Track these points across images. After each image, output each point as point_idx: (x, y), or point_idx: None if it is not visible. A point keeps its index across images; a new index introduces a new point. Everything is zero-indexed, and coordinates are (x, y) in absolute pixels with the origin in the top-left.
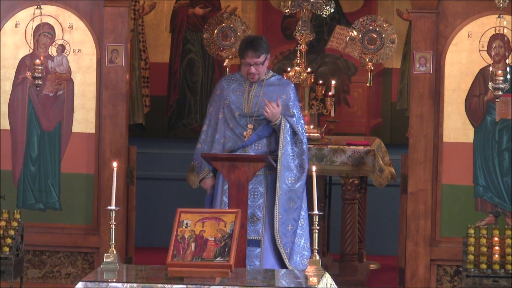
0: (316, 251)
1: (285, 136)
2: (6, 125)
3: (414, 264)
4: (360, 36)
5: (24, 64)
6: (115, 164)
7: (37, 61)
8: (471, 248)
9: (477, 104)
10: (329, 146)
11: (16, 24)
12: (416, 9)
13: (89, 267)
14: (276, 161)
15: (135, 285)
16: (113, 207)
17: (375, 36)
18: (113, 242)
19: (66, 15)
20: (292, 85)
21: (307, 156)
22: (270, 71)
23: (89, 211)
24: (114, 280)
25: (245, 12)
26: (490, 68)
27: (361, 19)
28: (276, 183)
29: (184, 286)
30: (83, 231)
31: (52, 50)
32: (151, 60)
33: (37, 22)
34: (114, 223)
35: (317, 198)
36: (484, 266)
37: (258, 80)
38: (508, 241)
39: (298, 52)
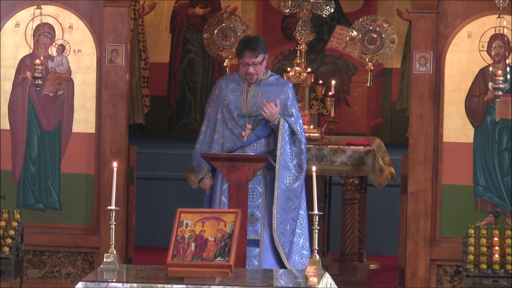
0: (316, 251)
1: (283, 136)
2: (6, 125)
3: (414, 264)
4: (360, 36)
5: (24, 64)
6: (115, 164)
7: (37, 61)
8: (471, 248)
9: (477, 104)
10: (329, 146)
11: (16, 24)
12: (416, 9)
13: (89, 267)
14: (275, 161)
15: (135, 285)
16: (113, 207)
17: (375, 36)
18: (113, 242)
19: (66, 15)
20: (291, 84)
21: (305, 156)
22: (269, 71)
23: (89, 211)
24: (114, 280)
25: (245, 12)
26: (490, 68)
27: (361, 19)
28: (275, 183)
29: (184, 286)
30: (83, 231)
31: (52, 50)
32: (151, 60)
33: (37, 22)
34: (114, 223)
35: (317, 198)
36: (484, 266)
37: (257, 80)
38: (508, 241)
39: (298, 52)
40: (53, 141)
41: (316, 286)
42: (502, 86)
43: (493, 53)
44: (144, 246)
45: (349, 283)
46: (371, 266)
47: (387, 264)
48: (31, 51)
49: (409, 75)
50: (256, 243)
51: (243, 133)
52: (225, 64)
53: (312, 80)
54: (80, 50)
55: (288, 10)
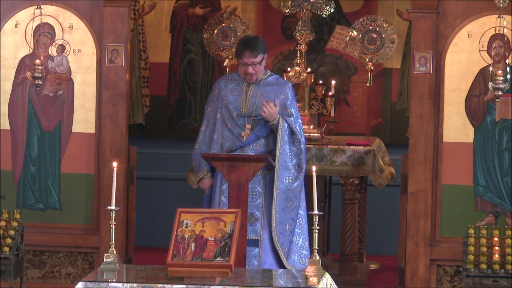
0: (316, 251)
1: (283, 136)
2: (6, 125)
3: (414, 264)
4: (360, 36)
5: (24, 64)
6: (115, 164)
7: (37, 61)
8: (471, 248)
9: (477, 104)
10: (329, 146)
11: (16, 24)
12: (416, 9)
13: (89, 267)
14: (274, 161)
15: (135, 285)
16: (113, 207)
17: (375, 36)
18: (113, 242)
19: (66, 15)
20: (290, 84)
21: (305, 156)
22: (268, 71)
23: (89, 211)
24: (114, 280)
25: (245, 12)
26: (490, 68)
27: (361, 19)
28: (274, 183)
29: (184, 286)
30: (83, 231)
31: (52, 50)
32: (151, 60)
33: (37, 22)
34: (114, 223)
35: (317, 198)
36: (484, 266)
37: (256, 80)
38: (508, 241)
39: (298, 52)
40: (53, 141)
41: (316, 286)
42: (502, 86)
43: (493, 53)
44: (144, 246)
45: (349, 283)
46: (371, 266)
47: (387, 264)
48: (31, 51)
49: (409, 75)
50: (255, 243)
51: (243, 133)
52: (225, 64)
53: (312, 80)
54: (80, 50)
55: (288, 10)
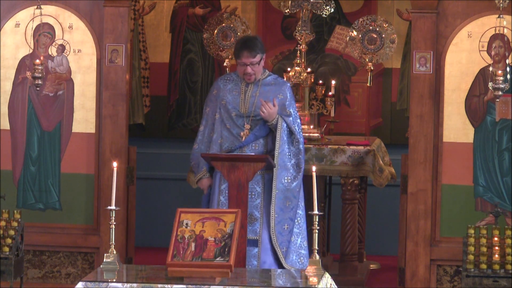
0: (316, 251)
1: (281, 136)
2: (6, 125)
3: (414, 264)
4: (360, 36)
5: (24, 64)
6: (115, 164)
7: (37, 61)
8: (471, 248)
9: (477, 104)
10: (329, 146)
11: (16, 24)
12: (416, 9)
13: (89, 267)
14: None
15: (135, 285)
16: (113, 207)
17: (375, 36)
18: (113, 242)
19: (66, 15)
20: (288, 84)
21: (303, 156)
22: (266, 71)
23: (89, 211)
24: (114, 280)
25: (245, 12)
26: (490, 68)
27: (361, 19)
28: (273, 183)
29: (184, 286)
30: (83, 231)
31: (52, 50)
32: (151, 60)
33: (37, 22)
34: (114, 223)
35: (317, 198)
36: (484, 266)
37: (255, 80)
38: (508, 241)
39: (298, 52)
40: (53, 141)
41: (316, 286)
42: (502, 86)
43: (493, 53)
44: (144, 246)
45: (349, 283)
46: (371, 266)
47: (387, 264)
48: (31, 51)
49: (409, 75)
50: (255, 243)
51: (242, 133)
52: (225, 64)
53: (312, 80)
54: (80, 50)
55: (288, 10)
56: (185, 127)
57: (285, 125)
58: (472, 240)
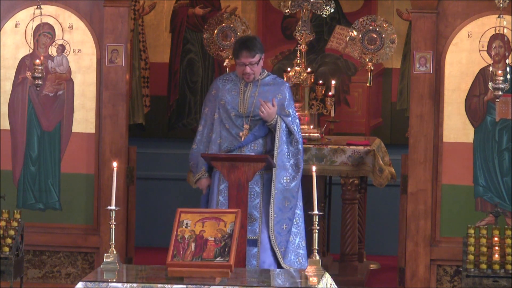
0: (316, 251)
1: (280, 136)
2: (6, 125)
3: (414, 264)
4: (360, 36)
5: (24, 64)
6: (115, 164)
7: (37, 61)
8: (471, 248)
9: (477, 104)
10: (329, 146)
11: (16, 24)
12: (416, 9)
13: (89, 267)
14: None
15: (135, 285)
16: (113, 207)
17: (375, 36)
18: (113, 242)
19: (66, 15)
20: (287, 84)
21: (302, 156)
22: (265, 71)
23: (89, 211)
24: (114, 280)
25: (245, 12)
26: (490, 68)
27: (361, 19)
28: (272, 183)
29: (184, 286)
30: (83, 231)
31: (52, 50)
32: (151, 60)
33: (37, 22)
34: (114, 223)
35: (317, 198)
36: (484, 266)
37: (253, 80)
38: (508, 241)
39: (298, 52)
40: (53, 141)
41: (316, 286)
42: (502, 86)
43: (493, 53)
44: (144, 246)
45: (349, 283)
46: (371, 266)
47: (387, 264)
48: (31, 51)
49: (409, 75)
50: (254, 242)
51: (241, 133)
52: (225, 64)
53: (312, 80)
54: (80, 50)
55: (288, 10)
56: (185, 127)
57: (284, 125)
58: (472, 240)
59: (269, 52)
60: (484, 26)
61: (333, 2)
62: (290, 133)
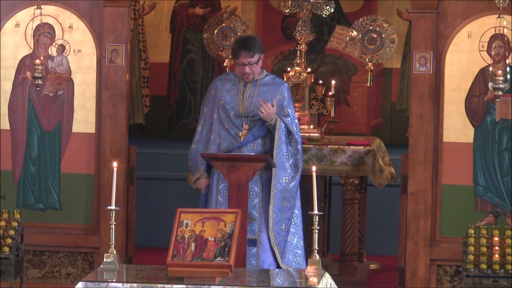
0: (316, 251)
1: (280, 136)
2: (6, 125)
3: (414, 264)
4: (360, 36)
5: (24, 64)
6: (115, 164)
7: (37, 61)
8: (471, 248)
9: (477, 104)
10: (329, 146)
11: (16, 24)
12: (416, 9)
13: (89, 267)
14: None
15: (135, 285)
16: (113, 207)
17: (375, 36)
18: (113, 242)
19: (66, 15)
20: (286, 84)
21: (301, 156)
22: (264, 71)
23: (89, 211)
24: (114, 280)
25: (245, 12)
26: (490, 68)
27: (361, 19)
28: (271, 183)
29: (184, 286)
30: (83, 231)
31: (52, 50)
32: (151, 60)
33: (37, 22)
34: (114, 223)
35: (317, 198)
36: (484, 266)
37: (253, 80)
38: (508, 241)
39: (298, 52)
40: (53, 141)
41: (316, 286)
42: (502, 86)
43: (493, 53)
44: (144, 246)
45: (349, 283)
46: (371, 266)
47: (387, 264)
48: (31, 51)
49: (409, 75)
50: (253, 242)
51: (240, 134)
52: (225, 64)
53: (312, 80)
54: (80, 50)
55: (288, 10)
56: (185, 127)
57: (283, 125)
58: (472, 240)
59: (269, 52)
60: (484, 26)
61: (333, 2)
62: (289, 133)
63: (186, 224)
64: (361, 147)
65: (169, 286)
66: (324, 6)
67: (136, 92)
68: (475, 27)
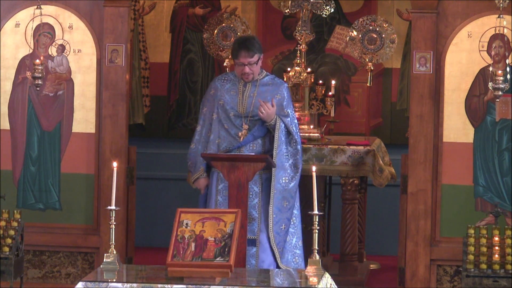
0: (316, 251)
1: (279, 136)
2: (6, 125)
3: (414, 264)
4: (360, 36)
5: (24, 64)
6: (115, 164)
7: (37, 61)
8: (471, 248)
9: (477, 104)
10: (329, 146)
11: (16, 24)
12: (416, 9)
13: (89, 267)
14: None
15: (135, 285)
16: (113, 207)
17: (375, 36)
18: (113, 242)
19: (66, 15)
20: (286, 84)
21: (301, 156)
22: (263, 71)
23: (89, 211)
24: (114, 280)
25: (245, 12)
26: (490, 68)
27: (361, 19)
28: (271, 183)
29: (184, 286)
30: (83, 231)
31: (52, 50)
32: (151, 60)
33: (37, 22)
34: (114, 223)
35: (317, 198)
36: (484, 266)
37: (252, 80)
38: (508, 241)
39: (298, 52)
40: (53, 141)
41: (316, 286)
42: (502, 86)
43: (493, 53)
44: (144, 246)
45: (349, 283)
46: (371, 266)
47: (387, 264)
48: (31, 51)
49: (409, 75)
50: (253, 242)
51: (240, 134)
52: (225, 64)
53: (312, 80)
54: (80, 50)
55: (288, 10)
56: (185, 127)
57: (283, 125)
58: (472, 240)
59: (269, 52)
60: (484, 26)
61: (333, 2)
62: (289, 133)
63: (186, 224)
64: (361, 147)
65: (169, 286)
66: (324, 6)
67: (136, 92)
68: (475, 27)
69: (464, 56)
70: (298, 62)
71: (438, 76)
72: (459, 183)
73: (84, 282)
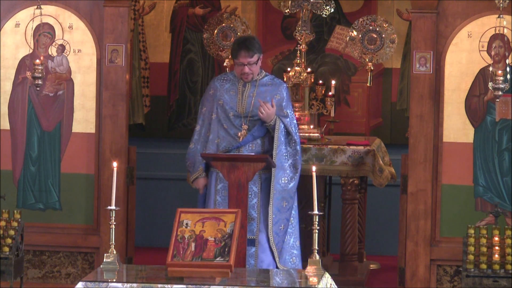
0: (316, 251)
1: (279, 137)
2: (6, 125)
3: (414, 264)
4: (360, 36)
5: (24, 64)
6: (115, 164)
7: (37, 61)
8: (471, 248)
9: (477, 104)
10: (329, 146)
11: (16, 24)
12: (416, 9)
13: (89, 267)
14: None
15: (135, 285)
16: (113, 207)
17: (375, 36)
18: (113, 242)
19: (66, 15)
20: (285, 85)
21: (300, 157)
22: (263, 71)
23: (89, 211)
24: (114, 280)
25: (245, 12)
26: (490, 68)
27: (361, 19)
28: (271, 183)
29: (184, 286)
30: (83, 231)
31: (52, 50)
32: (151, 60)
33: (37, 22)
34: (114, 223)
35: (317, 198)
36: (484, 266)
37: (252, 80)
38: (508, 241)
39: (298, 52)
40: (53, 141)
41: (316, 286)
42: (502, 86)
43: (493, 53)
44: (144, 246)
45: (349, 283)
46: (371, 266)
47: (387, 264)
48: (31, 51)
49: (409, 75)
50: (252, 242)
51: (239, 134)
52: (225, 64)
53: (312, 80)
54: (80, 50)
55: (288, 10)
56: (185, 127)
57: (282, 126)
58: (472, 240)
59: (269, 52)
60: (484, 26)
61: (333, 2)
62: (288, 133)
63: (186, 224)
64: (361, 147)
65: (169, 286)
66: (324, 6)
67: (136, 92)
68: (475, 27)
69: (464, 56)
70: (298, 62)
71: (438, 76)
72: (459, 183)
73: (84, 282)
